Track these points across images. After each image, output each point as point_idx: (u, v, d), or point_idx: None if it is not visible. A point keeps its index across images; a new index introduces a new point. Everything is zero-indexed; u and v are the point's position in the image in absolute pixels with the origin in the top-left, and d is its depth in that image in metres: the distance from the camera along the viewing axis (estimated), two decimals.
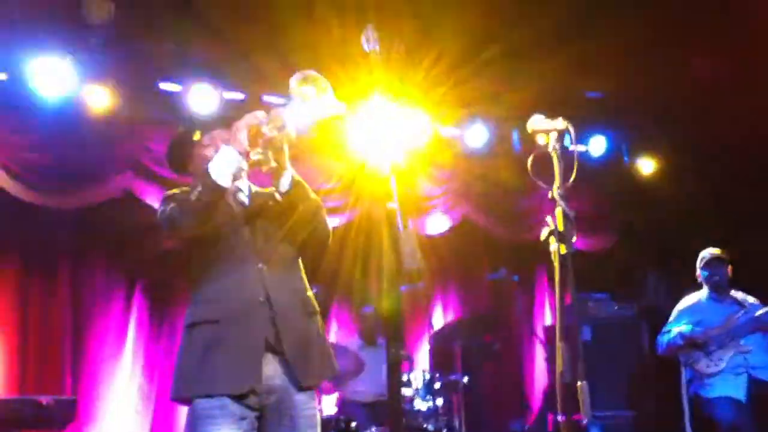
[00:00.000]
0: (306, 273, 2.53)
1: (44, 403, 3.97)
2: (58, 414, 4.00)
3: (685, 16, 4.83)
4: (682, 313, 4.74)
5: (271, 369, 2.30)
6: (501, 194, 6.22)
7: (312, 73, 2.26)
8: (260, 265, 2.36)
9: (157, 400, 5.17)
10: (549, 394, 5.86)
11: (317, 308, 2.48)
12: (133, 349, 5.19)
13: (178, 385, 2.33)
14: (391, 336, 1.51)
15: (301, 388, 2.32)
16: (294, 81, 2.23)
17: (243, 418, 2.25)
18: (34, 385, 4.79)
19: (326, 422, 4.54)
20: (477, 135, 6.00)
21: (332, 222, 5.29)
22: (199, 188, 2.23)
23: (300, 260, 2.51)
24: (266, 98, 5.06)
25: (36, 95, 4.73)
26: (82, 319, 5.12)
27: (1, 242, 4.92)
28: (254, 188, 2.55)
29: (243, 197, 2.48)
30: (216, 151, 2.29)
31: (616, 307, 5.76)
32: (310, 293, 2.48)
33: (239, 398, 2.24)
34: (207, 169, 2.23)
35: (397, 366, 1.52)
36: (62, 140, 4.92)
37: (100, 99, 4.90)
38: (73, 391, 4.87)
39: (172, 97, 5.12)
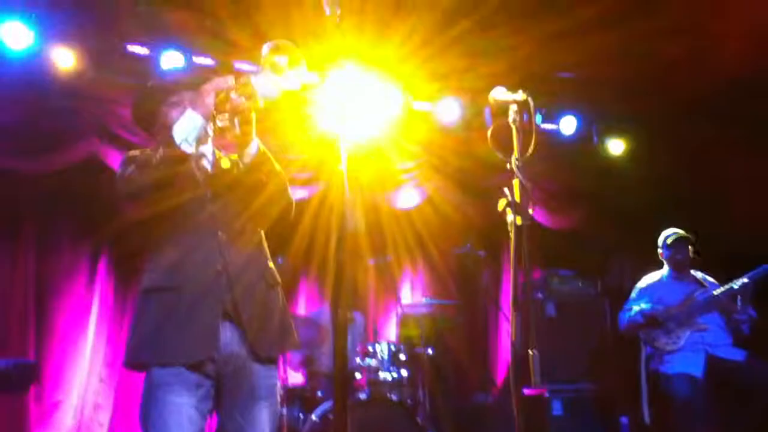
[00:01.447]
0: (272, 244, 2.51)
1: (2, 366, 3.91)
2: (17, 377, 3.95)
3: None
4: (642, 291, 4.83)
5: (229, 337, 2.27)
6: (473, 169, 6.23)
7: (285, 42, 2.21)
8: (220, 234, 2.32)
9: (122, 369, 5.13)
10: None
11: (278, 280, 2.45)
12: (98, 316, 5.14)
13: (132, 352, 2.30)
14: (337, 299, 1.51)
15: (259, 359, 2.30)
16: (266, 50, 2.19)
17: (199, 386, 2.23)
18: None
19: (291, 391, 4.56)
20: (450, 109, 5.99)
21: (300, 194, 5.31)
22: (161, 152, 2.18)
23: (262, 231, 2.47)
24: (237, 65, 4.98)
25: None
26: (46, 285, 5.04)
27: None
28: (219, 155, 2.49)
29: (206, 163, 2.43)
30: (182, 113, 2.24)
31: (580, 284, 5.85)
32: (271, 264, 2.46)
33: (195, 366, 2.22)
34: (171, 132, 2.18)
35: (342, 329, 1.53)
36: (25, 102, 4.79)
37: (65, 60, 4.77)
38: (36, 357, 4.82)
39: (140, 60, 5.01)
